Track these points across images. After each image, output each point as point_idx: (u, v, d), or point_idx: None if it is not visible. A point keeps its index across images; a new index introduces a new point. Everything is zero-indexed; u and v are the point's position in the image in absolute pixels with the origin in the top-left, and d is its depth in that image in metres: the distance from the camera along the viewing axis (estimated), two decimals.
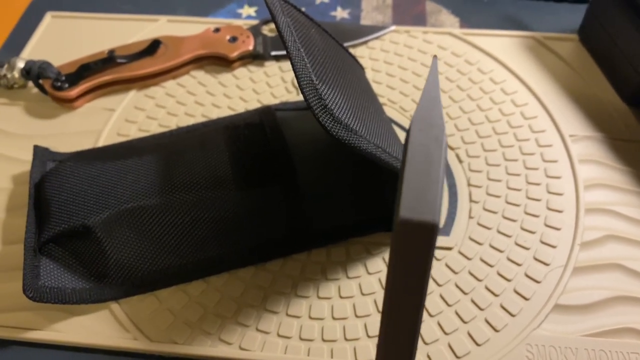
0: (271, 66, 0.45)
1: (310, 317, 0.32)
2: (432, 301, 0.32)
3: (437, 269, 0.34)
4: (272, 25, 0.47)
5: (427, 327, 0.31)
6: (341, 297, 0.33)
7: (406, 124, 0.41)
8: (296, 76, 0.26)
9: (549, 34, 0.47)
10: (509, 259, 0.34)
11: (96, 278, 0.32)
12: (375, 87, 0.43)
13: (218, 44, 0.45)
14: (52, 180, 0.35)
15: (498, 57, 0.45)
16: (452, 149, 0.39)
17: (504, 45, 0.46)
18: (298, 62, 0.26)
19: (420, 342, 0.31)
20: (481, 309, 0.32)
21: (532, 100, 0.42)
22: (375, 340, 0.31)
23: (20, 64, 0.43)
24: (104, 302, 0.32)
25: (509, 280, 0.33)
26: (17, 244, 0.35)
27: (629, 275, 0.33)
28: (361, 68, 0.42)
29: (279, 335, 0.31)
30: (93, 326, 0.32)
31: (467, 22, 0.49)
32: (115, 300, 0.32)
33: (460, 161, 0.38)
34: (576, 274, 0.33)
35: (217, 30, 0.46)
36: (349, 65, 0.36)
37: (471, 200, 0.36)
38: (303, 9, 0.37)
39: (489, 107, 0.42)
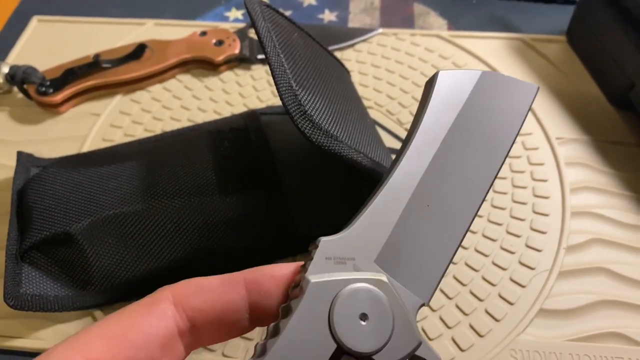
0: (258, 70, 0.45)
1: None
2: None
3: None
4: None
5: None
6: None
7: (392, 126, 0.41)
8: (275, 82, 0.26)
9: (537, 36, 0.47)
10: (494, 264, 0.34)
11: (79, 285, 0.32)
12: (362, 90, 0.43)
13: (204, 47, 0.44)
14: (34, 187, 0.35)
15: (485, 59, 0.45)
16: None
17: (491, 47, 0.46)
18: (277, 67, 0.26)
19: None
20: (466, 314, 0.32)
21: None
22: None
23: (5, 69, 0.42)
24: (87, 309, 0.32)
25: (493, 285, 0.33)
26: None
27: (614, 279, 0.33)
28: (346, 72, 0.42)
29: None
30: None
31: (455, 23, 0.49)
32: (98, 308, 0.32)
33: None
34: (561, 278, 0.33)
35: (203, 33, 0.45)
36: (333, 70, 0.36)
37: None
38: (289, 13, 0.37)
39: None
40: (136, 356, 0.17)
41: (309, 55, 0.32)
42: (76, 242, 0.32)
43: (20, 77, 0.41)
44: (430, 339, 0.31)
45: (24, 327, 0.32)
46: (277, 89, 0.26)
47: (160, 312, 0.18)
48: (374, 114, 0.41)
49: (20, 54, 0.47)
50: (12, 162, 0.38)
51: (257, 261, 0.33)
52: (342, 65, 0.41)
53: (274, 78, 0.26)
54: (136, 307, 0.18)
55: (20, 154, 0.38)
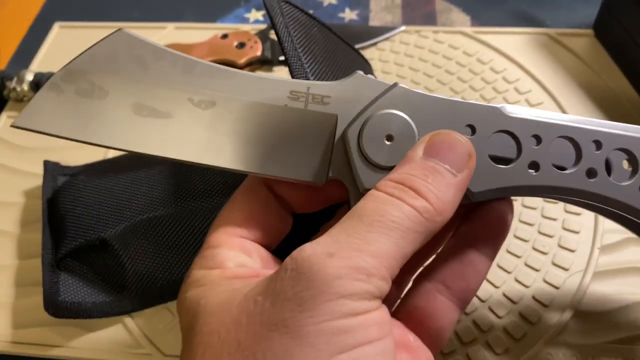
0: (280, 71, 0.45)
1: None
2: None
3: None
4: None
5: None
6: None
7: None
8: (292, 77, 0.26)
9: (563, 30, 0.46)
10: (526, 265, 0.33)
11: (115, 290, 0.32)
12: None
13: (226, 50, 0.44)
14: (65, 195, 0.35)
15: (511, 55, 0.44)
16: None
17: (516, 42, 0.45)
18: (294, 62, 0.26)
19: None
20: (499, 317, 0.31)
21: (547, 98, 0.41)
22: None
23: (29, 77, 0.43)
24: (124, 315, 0.32)
25: (527, 287, 0.32)
26: (32, 259, 0.35)
27: None
28: (368, 65, 0.41)
29: None
30: (108, 342, 0.32)
31: (478, 19, 0.48)
32: (134, 312, 0.32)
33: None
34: (596, 278, 0.32)
35: (224, 36, 0.45)
36: (353, 63, 0.35)
37: None
38: (311, 12, 0.37)
39: None
40: (267, 226, 0.23)
41: (328, 49, 0.32)
42: (111, 248, 0.32)
43: None
44: (463, 343, 0.31)
45: (58, 335, 0.32)
46: None
47: (262, 192, 0.23)
48: None
49: (44, 61, 0.47)
50: (38, 169, 0.39)
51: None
52: (363, 58, 0.40)
53: (291, 73, 0.26)
54: (242, 194, 0.23)
55: (46, 163, 0.38)
